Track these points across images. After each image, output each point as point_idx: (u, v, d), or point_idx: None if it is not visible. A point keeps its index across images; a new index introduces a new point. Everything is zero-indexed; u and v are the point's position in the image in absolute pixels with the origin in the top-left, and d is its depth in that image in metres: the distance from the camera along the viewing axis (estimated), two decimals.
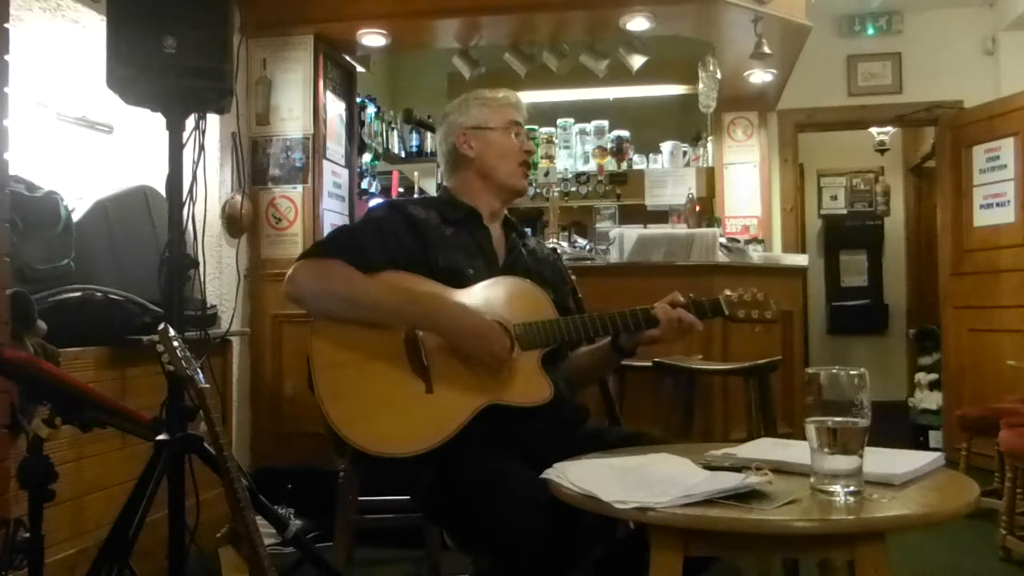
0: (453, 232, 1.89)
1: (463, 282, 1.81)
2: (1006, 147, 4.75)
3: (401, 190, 5.14)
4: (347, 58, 4.35)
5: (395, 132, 5.48)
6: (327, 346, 1.73)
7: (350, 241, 1.82)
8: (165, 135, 2.28)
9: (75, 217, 2.70)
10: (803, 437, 1.30)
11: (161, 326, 1.78)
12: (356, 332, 1.73)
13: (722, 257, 3.58)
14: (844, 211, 7.51)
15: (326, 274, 1.75)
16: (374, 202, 4.75)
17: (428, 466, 1.67)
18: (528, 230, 2.22)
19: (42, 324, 2.24)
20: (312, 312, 1.78)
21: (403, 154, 5.59)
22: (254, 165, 3.96)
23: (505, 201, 2.00)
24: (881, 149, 7.00)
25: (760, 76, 4.55)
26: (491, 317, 1.75)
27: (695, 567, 1.58)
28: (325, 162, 4.04)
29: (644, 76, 4.47)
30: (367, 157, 4.89)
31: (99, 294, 2.60)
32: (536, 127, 5.35)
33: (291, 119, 3.95)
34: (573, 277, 2.28)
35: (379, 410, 1.69)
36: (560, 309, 1.92)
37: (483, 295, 1.81)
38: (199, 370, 1.77)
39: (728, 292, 1.88)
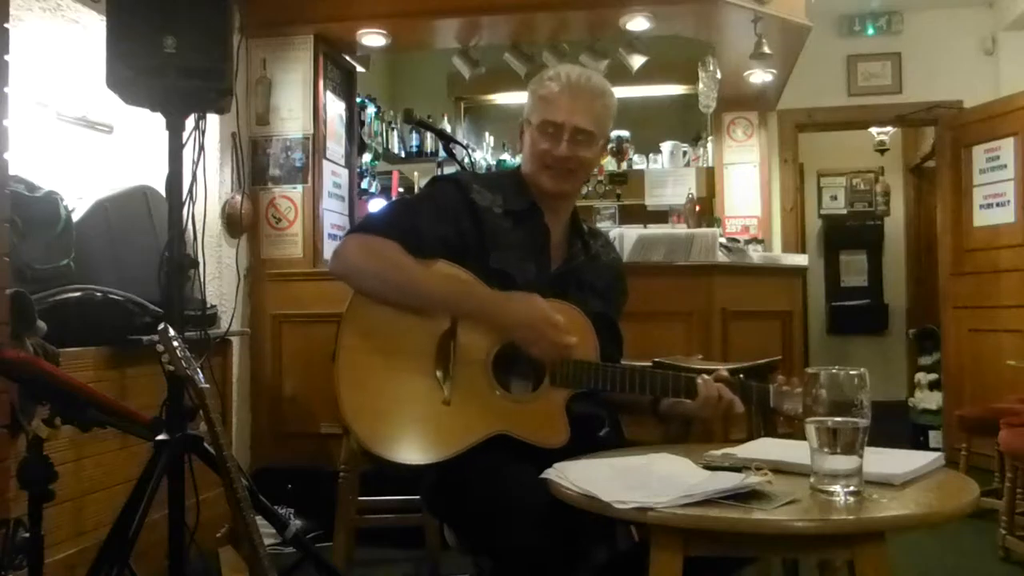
0: (511, 226, 1.79)
1: (511, 288, 1.72)
2: (1006, 147, 4.75)
3: (401, 190, 5.14)
4: (347, 58, 4.35)
5: (395, 132, 5.48)
6: (359, 326, 1.68)
7: (407, 222, 1.72)
8: (165, 135, 2.28)
9: (75, 217, 2.69)
10: (803, 437, 1.30)
11: (161, 326, 1.78)
12: (392, 319, 1.68)
13: (722, 257, 3.58)
14: (844, 211, 7.51)
15: (378, 254, 1.68)
16: (374, 203, 4.75)
17: (431, 463, 1.65)
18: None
19: (42, 324, 2.24)
20: (357, 290, 1.71)
21: (403, 154, 5.59)
22: (254, 165, 3.96)
23: (548, 198, 1.85)
24: (881, 149, 7.00)
25: (760, 76, 4.55)
26: None
27: (726, 567, 1.58)
28: (325, 162, 4.05)
29: (644, 76, 4.48)
30: (367, 157, 4.90)
31: (99, 294, 2.60)
32: None
33: (291, 119, 3.95)
34: None
35: (391, 410, 1.65)
36: (606, 322, 1.88)
37: None
38: (199, 370, 1.77)
39: (781, 379, 1.70)
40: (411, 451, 1.63)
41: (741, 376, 1.73)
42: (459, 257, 1.73)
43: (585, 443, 1.71)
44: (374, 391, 1.65)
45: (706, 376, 1.70)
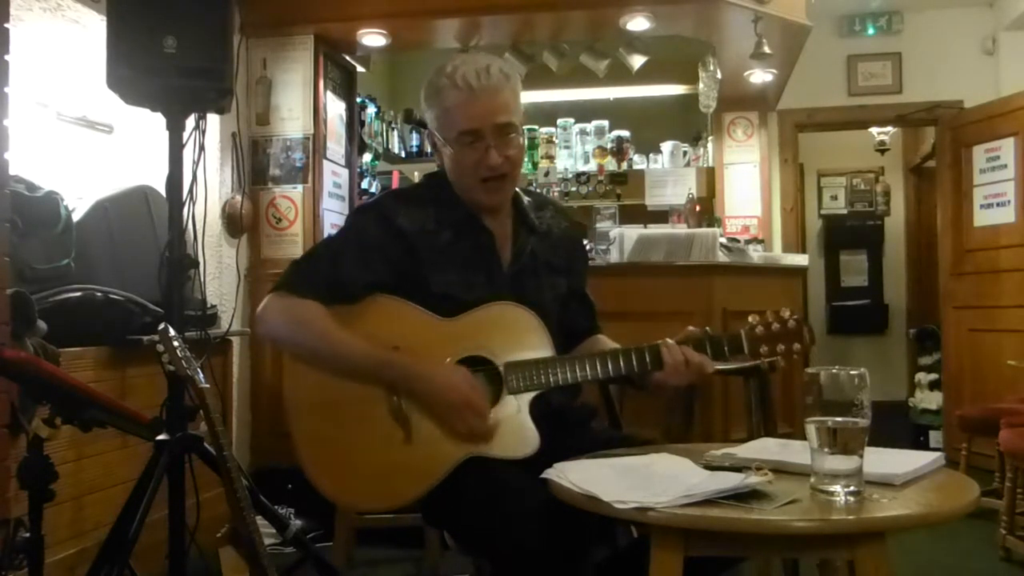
0: (450, 239, 1.71)
1: (457, 309, 1.67)
2: (1006, 147, 4.75)
3: None
4: (347, 58, 4.35)
5: (395, 132, 5.48)
6: (303, 383, 1.67)
7: (329, 274, 1.66)
8: (165, 135, 2.28)
9: (75, 217, 2.70)
10: (803, 437, 1.29)
11: (161, 326, 1.78)
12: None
13: (722, 257, 3.57)
14: (844, 211, 7.51)
15: (299, 320, 1.64)
16: None
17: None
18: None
19: (42, 324, 2.24)
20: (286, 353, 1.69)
21: (403, 154, 5.59)
22: (254, 165, 3.96)
23: (487, 209, 1.76)
24: (881, 149, 7.00)
25: (760, 76, 4.55)
26: (479, 352, 1.64)
27: (717, 566, 1.56)
28: (325, 162, 4.05)
29: (644, 76, 4.48)
30: (367, 157, 4.90)
31: (99, 294, 2.61)
32: (536, 127, 5.35)
33: (291, 119, 3.95)
34: None
35: (355, 460, 1.61)
36: (575, 296, 1.84)
37: (472, 327, 1.66)
38: (199, 370, 1.76)
39: (752, 320, 1.63)
40: (387, 498, 1.63)
41: (707, 329, 1.67)
42: (398, 289, 1.67)
43: (577, 437, 1.70)
44: (335, 446, 1.61)
45: (669, 341, 1.64)
